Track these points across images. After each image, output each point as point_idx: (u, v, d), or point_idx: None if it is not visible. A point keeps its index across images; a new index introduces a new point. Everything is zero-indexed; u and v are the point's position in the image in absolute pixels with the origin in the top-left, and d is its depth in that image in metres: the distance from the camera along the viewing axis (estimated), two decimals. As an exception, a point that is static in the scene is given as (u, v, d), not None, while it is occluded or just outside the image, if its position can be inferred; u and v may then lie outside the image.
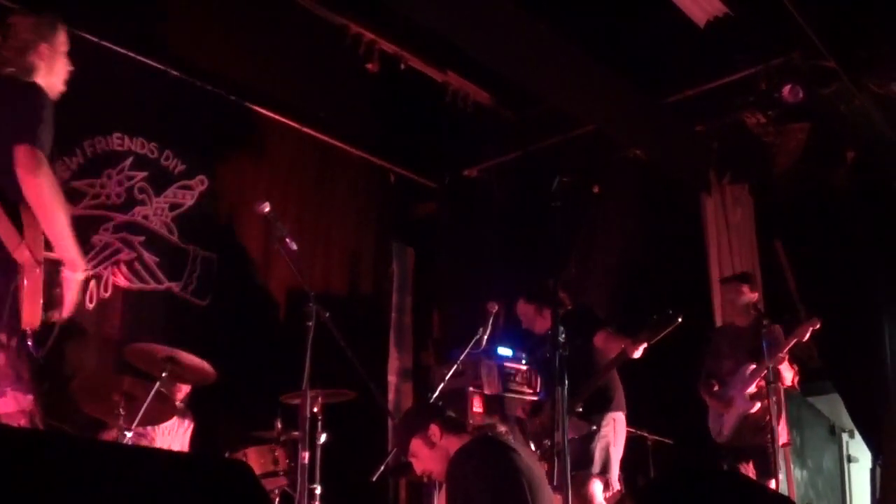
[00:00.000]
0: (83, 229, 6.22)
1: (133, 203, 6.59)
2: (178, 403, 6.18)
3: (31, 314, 3.68)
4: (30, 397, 3.70)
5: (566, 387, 4.33)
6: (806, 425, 8.10)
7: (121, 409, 4.94)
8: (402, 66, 7.50)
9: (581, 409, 5.77)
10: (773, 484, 5.94)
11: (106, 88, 6.38)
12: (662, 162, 8.17)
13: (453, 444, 4.12)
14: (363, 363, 5.18)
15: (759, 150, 7.92)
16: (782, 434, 6.53)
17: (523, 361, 7.56)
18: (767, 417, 6.14)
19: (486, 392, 7.29)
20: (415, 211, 9.32)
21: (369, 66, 7.30)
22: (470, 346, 6.05)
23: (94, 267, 6.27)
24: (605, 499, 5.88)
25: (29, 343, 3.70)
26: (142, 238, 6.61)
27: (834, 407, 8.47)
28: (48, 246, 3.78)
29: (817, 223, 7.89)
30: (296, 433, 5.39)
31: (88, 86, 6.25)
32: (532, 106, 8.30)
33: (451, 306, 8.74)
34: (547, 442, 5.72)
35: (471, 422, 6.41)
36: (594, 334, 6.01)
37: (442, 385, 6.00)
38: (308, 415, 4.80)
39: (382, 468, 5.69)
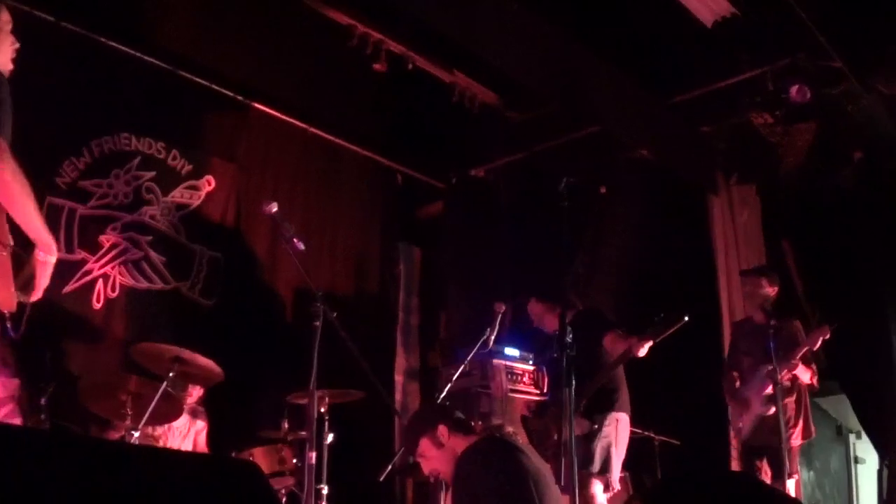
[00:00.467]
0: (90, 229, 6.26)
1: (140, 203, 6.61)
2: (192, 404, 6.21)
3: (5, 297, 3.65)
4: (16, 381, 3.66)
5: (573, 387, 4.34)
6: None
7: (128, 409, 4.95)
8: (410, 67, 7.49)
9: (583, 407, 5.77)
10: (789, 483, 5.97)
11: (113, 89, 6.41)
12: (669, 162, 8.15)
13: (461, 444, 4.13)
14: (370, 363, 5.18)
15: (766, 151, 7.90)
16: (801, 434, 6.55)
17: (531, 362, 7.55)
18: (787, 416, 6.18)
19: (493, 393, 7.27)
20: (421, 211, 9.33)
21: (376, 66, 7.29)
22: (477, 346, 6.04)
23: (102, 267, 6.29)
24: (607, 500, 5.89)
25: (7, 325, 3.68)
26: (149, 238, 6.63)
27: (841, 408, 8.47)
28: (15, 229, 3.73)
29: (824, 224, 7.87)
30: (302, 433, 5.39)
31: (96, 86, 6.31)
32: (539, 106, 8.29)
33: (458, 307, 8.73)
34: (555, 436, 5.71)
35: (478, 423, 6.40)
36: (603, 335, 6.01)
37: (449, 386, 5.99)
38: (315, 415, 4.79)
39: (390, 468, 5.68)
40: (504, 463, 3.97)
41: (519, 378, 7.41)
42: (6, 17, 3.87)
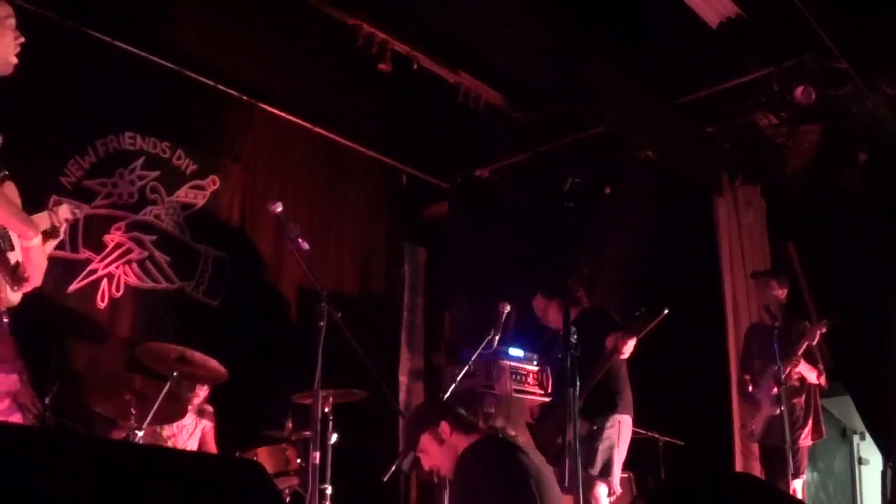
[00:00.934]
0: (95, 228, 6.27)
1: (145, 202, 6.61)
2: (198, 404, 6.22)
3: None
4: (13, 377, 3.65)
5: (577, 388, 4.33)
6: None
7: (132, 409, 4.95)
8: (415, 67, 7.49)
9: (582, 408, 5.75)
10: (795, 483, 5.98)
11: (118, 88, 6.41)
12: (674, 163, 8.14)
13: (462, 442, 4.13)
14: (374, 363, 5.17)
15: (771, 152, 7.91)
16: (811, 434, 6.58)
17: (535, 362, 7.55)
18: (795, 416, 6.19)
19: (498, 393, 7.27)
20: (426, 211, 9.32)
21: (381, 66, 7.29)
22: (481, 346, 6.03)
23: (106, 266, 6.29)
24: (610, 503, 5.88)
25: (5, 321, 3.69)
26: (154, 237, 6.63)
27: (845, 409, 8.46)
28: None
29: (829, 224, 7.87)
30: (307, 433, 5.40)
31: (100, 86, 6.32)
32: (543, 107, 8.30)
33: (463, 307, 8.73)
34: (559, 440, 5.70)
35: (481, 422, 6.40)
36: (607, 336, 5.99)
37: (453, 386, 5.99)
38: (319, 415, 4.79)
39: (394, 468, 5.68)
40: (505, 462, 3.97)
41: (524, 378, 7.42)
42: (6, 10, 3.84)
